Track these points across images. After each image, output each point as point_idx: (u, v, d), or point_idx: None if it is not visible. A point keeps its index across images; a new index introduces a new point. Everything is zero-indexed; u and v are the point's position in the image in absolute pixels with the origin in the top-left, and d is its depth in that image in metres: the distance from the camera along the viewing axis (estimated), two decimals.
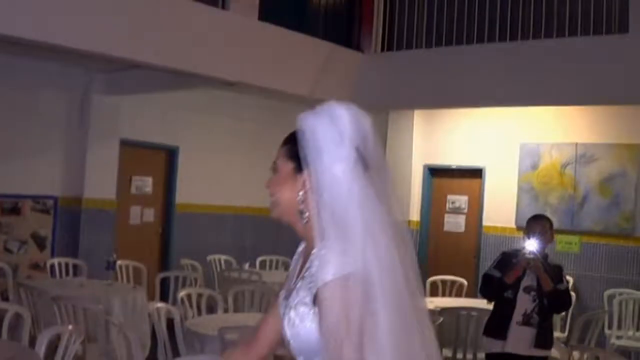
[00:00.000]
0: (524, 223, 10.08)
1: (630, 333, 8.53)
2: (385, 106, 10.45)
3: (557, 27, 8.77)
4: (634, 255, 9.67)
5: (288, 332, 2.08)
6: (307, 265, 2.08)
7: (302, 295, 2.05)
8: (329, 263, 1.93)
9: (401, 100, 9.93)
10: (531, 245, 5.40)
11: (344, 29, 9.99)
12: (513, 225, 10.39)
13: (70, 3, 6.83)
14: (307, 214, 2.08)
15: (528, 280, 5.48)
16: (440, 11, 9.68)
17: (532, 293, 5.46)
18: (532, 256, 5.38)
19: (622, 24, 8.18)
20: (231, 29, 8.20)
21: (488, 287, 5.66)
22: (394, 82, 9.66)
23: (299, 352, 2.10)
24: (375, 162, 2.09)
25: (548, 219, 5.73)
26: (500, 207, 10.58)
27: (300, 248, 2.28)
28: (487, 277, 5.66)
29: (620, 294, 8.83)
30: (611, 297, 8.83)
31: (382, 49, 10.03)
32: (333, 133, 2.06)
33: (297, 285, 2.10)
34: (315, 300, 1.98)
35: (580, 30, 8.57)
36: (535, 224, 5.59)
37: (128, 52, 7.43)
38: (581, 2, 8.63)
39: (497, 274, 5.58)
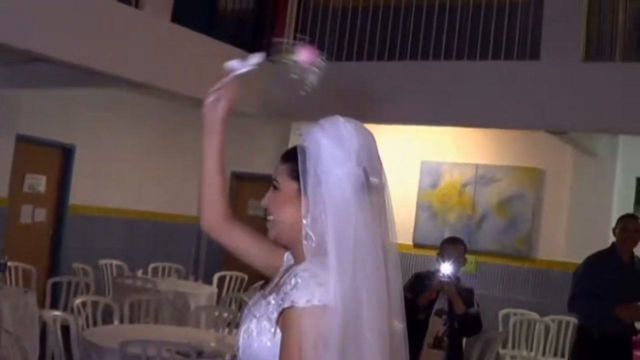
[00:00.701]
0: (421, 240, 10.43)
1: (525, 353, 8.68)
2: (289, 117, 10.36)
3: (468, 50, 8.86)
4: (529, 276, 9.90)
5: (241, 340, 1.98)
6: (284, 279, 1.96)
7: (270, 310, 1.93)
8: (307, 288, 1.82)
9: (304, 111, 9.79)
10: (446, 268, 5.40)
11: (253, 37, 9.83)
12: (410, 243, 10.47)
13: None
14: (313, 238, 1.94)
15: (440, 303, 5.48)
16: (354, 25, 9.65)
17: (444, 316, 5.46)
18: (446, 279, 5.39)
19: (533, 51, 8.33)
20: (142, 29, 7.95)
21: None
22: (299, 93, 9.54)
23: None
24: (378, 183, 2.01)
25: (463, 243, 5.75)
26: (398, 224, 10.38)
27: (290, 259, 2.16)
28: None
29: (515, 314, 8.99)
30: (506, 317, 8.98)
31: None
32: (340, 151, 1.95)
33: (268, 298, 1.97)
34: (279, 319, 1.88)
35: (492, 54, 8.68)
36: (452, 248, 5.59)
37: (32, 45, 7.09)
38: (494, 26, 8.75)
39: (409, 295, 5.55)
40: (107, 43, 7.57)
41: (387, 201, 2.06)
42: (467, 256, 5.76)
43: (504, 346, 8.63)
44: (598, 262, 6.00)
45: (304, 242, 1.96)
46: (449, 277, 5.40)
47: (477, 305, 5.60)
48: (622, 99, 7.82)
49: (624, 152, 9.73)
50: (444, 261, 5.47)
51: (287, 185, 2.04)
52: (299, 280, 1.85)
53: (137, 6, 7.97)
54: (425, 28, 9.18)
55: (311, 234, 1.94)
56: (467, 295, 5.55)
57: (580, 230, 9.58)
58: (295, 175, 2.00)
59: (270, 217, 2.08)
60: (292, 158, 2.03)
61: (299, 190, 2.00)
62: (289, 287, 1.87)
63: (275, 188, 2.07)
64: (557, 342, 8.75)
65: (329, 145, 1.96)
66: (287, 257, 2.19)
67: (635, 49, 8.40)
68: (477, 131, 10.18)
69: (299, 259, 2.01)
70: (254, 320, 1.96)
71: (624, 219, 6.16)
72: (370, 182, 1.99)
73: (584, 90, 7.99)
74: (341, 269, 1.86)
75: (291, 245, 2.07)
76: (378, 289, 1.93)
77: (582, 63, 8.19)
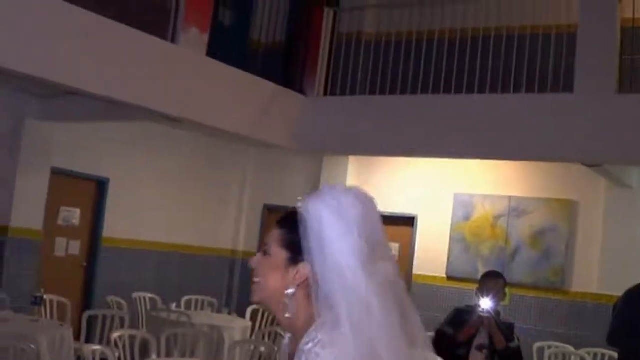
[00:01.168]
0: (454, 273, 10.42)
1: None
2: (323, 151, 10.41)
3: (502, 83, 8.87)
4: (563, 308, 9.83)
5: None
6: None
7: None
8: (318, 357, 1.82)
9: (339, 145, 9.84)
10: (486, 303, 5.36)
11: (285, 71, 9.89)
12: (444, 275, 10.44)
13: (12, 26, 6.54)
14: (294, 310, 1.94)
15: (481, 339, 5.44)
16: (386, 59, 9.69)
17: (485, 351, 5.41)
18: (486, 314, 5.35)
19: (566, 83, 8.32)
20: (178, 64, 8.03)
21: (441, 343, 5.59)
22: (333, 127, 9.57)
23: None
24: (381, 251, 1.97)
25: (503, 277, 5.72)
26: (432, 256, 10.61)
27: (286, 341, 2.12)
28: (440, 333, 5.58)
29: (549, 346, 8.91)
30: (540, 350, 8.90)
31: (325, 93, 9.96)
32: (342, 224, 1.91)
33: None
34: None
35: (526, 87, 8.68)
36: (492, 283, 5.54)
37: (67, 79, 7.17)
38: (528, 60, 8.75)
39: (449, 330, 5.52)
40: (142, 77, 7.64)
41: (394, 267, 2.01)
42: (506, 290, 5.73)
43: None
44: (639, 295, 5.94)
45: (288, 315, 1.95)
46: (488, 312, 5.36)
47: (518, 339, 5.56)
48: None
49: None
50: (483, 296, 5.42)
51: (277, 252, 2.01)
52: (307, 354, 1.84)
53: (173, 41, 8.05)
54: (458, 61, 9.20)
55: (291, 305, 1.94)
56: (508, 330, 5.51)
57: (614, 262, 9.53)
58: (286, 245, 1.99)
59: (256, 280, 2.05)
60: (285, 225, 2.02)
61: (288, 259, 1.98)
62: None
63: (266, 253, 2.04)
64: None
65: (330, 217, 1.92)
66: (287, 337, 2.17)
67: None
68: (509, 163, 10.18)
69: (292, 330, 2.01)
70: None
71: None
72: (373, 251, 1.94)
73: (618, 122, 7.95)
74: (355, 334, 1.85)
75: (274, 312, 2.04)
76: (396, 346, 1.90)
77: (616, 95, 8.17)
